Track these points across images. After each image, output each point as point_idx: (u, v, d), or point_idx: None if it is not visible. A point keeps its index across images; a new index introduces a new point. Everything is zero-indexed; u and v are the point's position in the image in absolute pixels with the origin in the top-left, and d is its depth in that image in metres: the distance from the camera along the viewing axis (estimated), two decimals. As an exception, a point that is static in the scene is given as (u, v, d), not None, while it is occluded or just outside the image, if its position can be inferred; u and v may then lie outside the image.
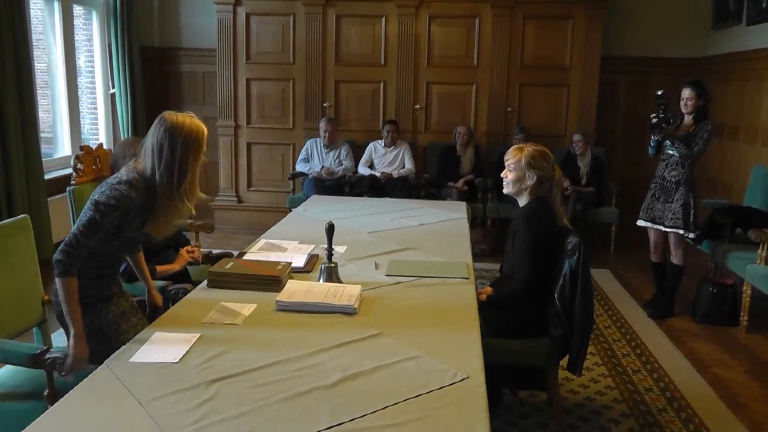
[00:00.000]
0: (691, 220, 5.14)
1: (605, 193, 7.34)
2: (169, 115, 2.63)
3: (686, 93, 5.09)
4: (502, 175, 3.47)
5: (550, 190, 3.36)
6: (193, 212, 2.73)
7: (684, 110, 5.12)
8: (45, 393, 2.47)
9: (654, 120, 5.00)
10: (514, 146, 3.46)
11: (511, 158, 3.39)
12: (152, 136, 2.61)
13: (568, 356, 3.34)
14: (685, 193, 5.12)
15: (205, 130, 2.70)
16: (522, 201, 3.41)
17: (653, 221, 5.31)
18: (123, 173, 2.64)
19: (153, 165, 2.60)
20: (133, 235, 2.75)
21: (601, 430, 3.55)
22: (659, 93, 4.94)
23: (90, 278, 2.70)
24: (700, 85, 5.09)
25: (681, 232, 5.15)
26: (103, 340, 2.67)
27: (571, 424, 3.58)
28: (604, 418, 3.68)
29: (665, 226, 5.21)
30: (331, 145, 7.52)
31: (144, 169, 2.63)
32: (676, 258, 5.25)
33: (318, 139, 7.55)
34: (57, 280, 2.52)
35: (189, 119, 2.64)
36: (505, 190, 3.45)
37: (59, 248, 2.51)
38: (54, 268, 2.52)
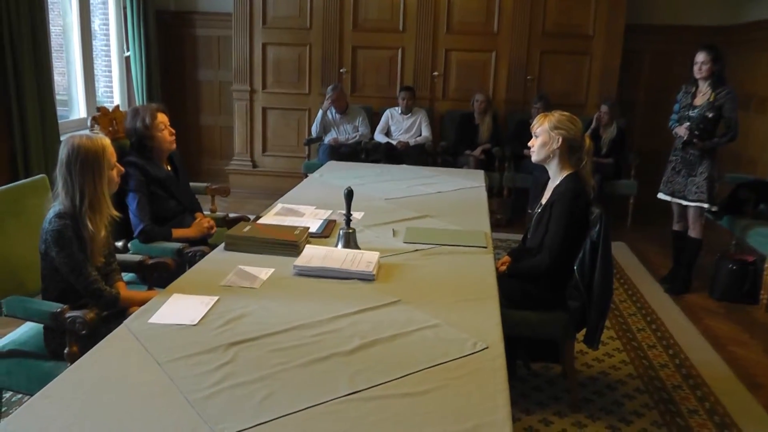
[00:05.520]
0: (714, 193, 5.08)
1: (624, 164, 7.28)
2: (68, 139, 2.70)
3: (700, 57, 4.96)
4: (529, 144, 3.42)
5: (580, 159, 3.31)
6: (102, 234, 2.74)
7: (698, 75, 5.01)
8: (65, 351, 2.49)
9: (687, 136, 5.00)
10: (541, 114, 3.41)
11: (536, 124, 3.35)
12: (57, 164, 2.69)
13: (584, 330, 3.35)
14: (709, 167, 5.03)
15: (106, 145, 2.73)
16: (552, 169, 3.37)
17: (673, 195, 5.25)
18: (50, 211, 2.69)
19: (61, 191, 2.68)
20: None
21: (615, 404, 3.55)
22: (710, 116, 4.92)
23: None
24: (715, 49, 4.98)
25: (705, 206, 5.08)
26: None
27: (585, 398, 3.58)
28: (619, 393, 3.68)
29: (687, 200, 5.14)
30: (343, 112, 7.50)
31: (58, 196, 2.70)
32: (694, 232, 5.20)
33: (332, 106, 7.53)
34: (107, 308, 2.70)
35: (86, 140, 2.68)
36: (533, 158, 3.40)
37: (87, 292, 2.67)
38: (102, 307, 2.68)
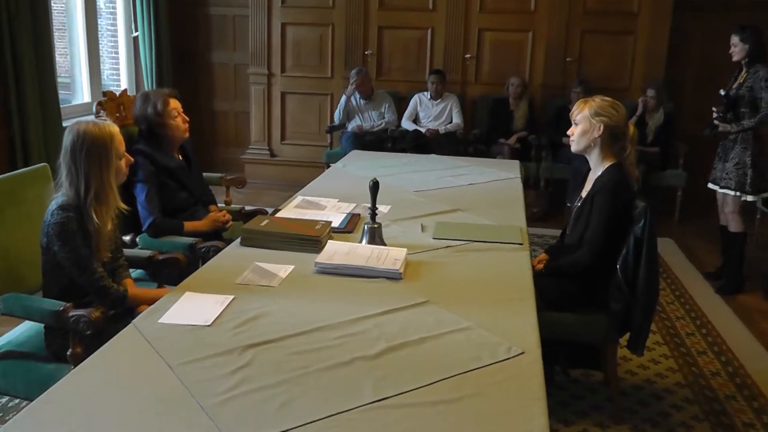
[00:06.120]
0: (748, 180, 5.06)
1: (672, 153, 7.19)
2: (73, 125, 2.70)
3: (732, 40, 5.15)
4: (568, 132, 3.40)
5: (623, 149, 3.28)
6: (108, 227, 2.75)
7: (733, 58, 5.18)
8: (68, 353, 2.51)
9: (714, 116, 5.16)
10: (581, 99, 3.38)
11: (576, 111, 3.32)
12: (61, 152, 2.69)
13: (628, 333, 3.32)
14: (740, 152, 5.07)
15: (114, 133, 2.74)
16: (593, 159, 3.35)
17: (713, 182, 5.32)
18: (52, 203, 2.70)
19: (65, 181, 2.68)
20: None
21: (661, 416, 3.51)
22: (722, 92, 5.09)
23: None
24: (746, 30, 5.09)
25: (731, 193, 5.11)
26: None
27: (629, 408, 3.55)
28: (666, 403, 3.64)
29: (720, 188, 5.21)
30: (368, 97, 7.50)
31: (62, 187, 2.70)
32: (733, 224, 5.21)
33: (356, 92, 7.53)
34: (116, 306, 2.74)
35: (93, 126, 2.69)
36: (572, 148, 3.38)
37: (93, 289, 2.69)
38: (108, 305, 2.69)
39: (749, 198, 5.12)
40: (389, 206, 3.71)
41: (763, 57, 5.05)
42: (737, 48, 5.09)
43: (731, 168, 5.09)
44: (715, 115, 5.12)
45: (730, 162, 5.11)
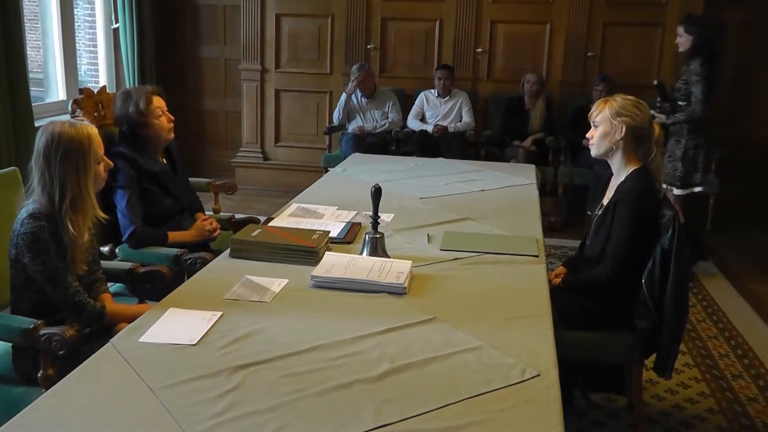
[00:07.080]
0: (677, 174, 5.62)
1: (703, 158, 7.18)
2: (47, 125, 2.69)
3: (677, 31, 5.64)
4: (588, 135, 3.39)
5: (648, 151, 3.28)
6: (85, 238, 2.75)
7: (679, 50, 5.65)
8: (39, 375, 2.50)
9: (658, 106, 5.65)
10: (600, 99, 3.39)
11: (596, 112, 3.32)
12: (33, 155, 2.68)
13: (654, 355, 3.31)
14: (673, 144, 5.65)
15: (92, 134, 2.73)
16: (615, 164, 3.34)
17: None
18: (22, 210, 2.69)
19: (37, 186, 2.67)
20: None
21: (692, 444, 3.52)
22: (655, 83, 5.66)
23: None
24: (689, 21, 5.51)
25: (664, 186, 5.50)
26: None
27: (656, 436, 3.56)
28: (697, 431, 3.63)
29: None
30: (370, 95, 7.51)
31: (33, 193, 2.69)
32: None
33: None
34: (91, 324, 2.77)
35: (69, 127, 2.68)
36: (593, 152, 3.37)
37: (67, 305, 2.69)
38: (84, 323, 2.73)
39: (676, 191, 5.57)
40: (393, 214, 3.72)
41: (708, 50, 5.40)
42: (682, 39, 5.50)
43: (666, 161, 5.53)
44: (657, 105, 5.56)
45: (665, 155, 5.53)
